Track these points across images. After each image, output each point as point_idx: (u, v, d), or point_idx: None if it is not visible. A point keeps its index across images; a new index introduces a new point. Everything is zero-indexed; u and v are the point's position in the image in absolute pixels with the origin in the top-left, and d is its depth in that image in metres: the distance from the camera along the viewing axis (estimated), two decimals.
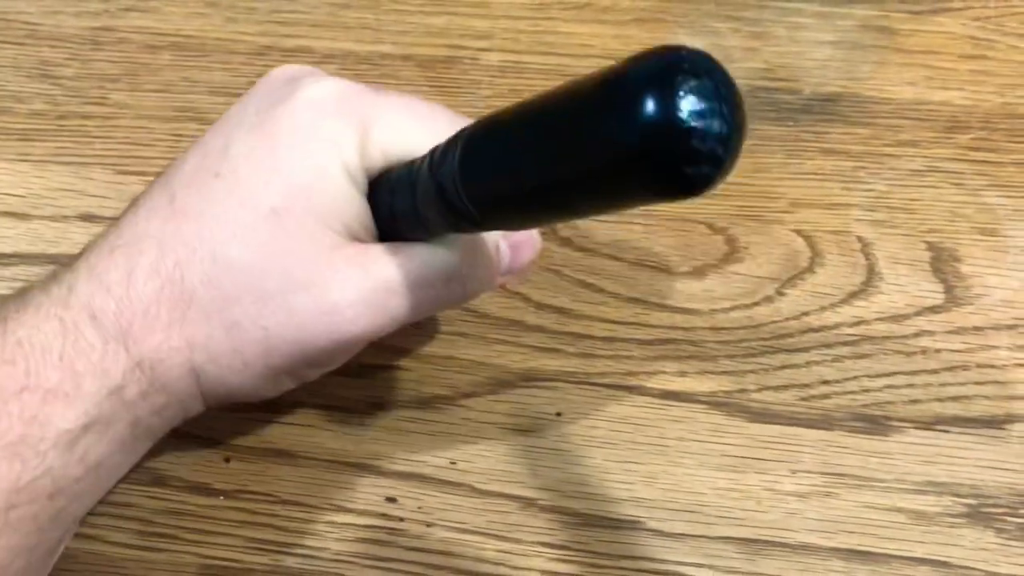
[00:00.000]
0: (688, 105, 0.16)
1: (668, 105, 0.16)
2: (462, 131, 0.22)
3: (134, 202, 0.28)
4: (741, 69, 0.40)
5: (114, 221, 0.28)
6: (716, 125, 0.16)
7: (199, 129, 0.40)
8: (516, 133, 0.20)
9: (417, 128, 0.26)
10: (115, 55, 0.42)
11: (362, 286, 0.25)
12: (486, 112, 0.22)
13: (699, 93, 0.16)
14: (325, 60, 0.42)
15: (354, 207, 0.26)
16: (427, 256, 0.26)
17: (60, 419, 0.24)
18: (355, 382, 0.34)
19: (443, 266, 0.26)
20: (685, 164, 0.17)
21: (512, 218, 0.23)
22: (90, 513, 0.28)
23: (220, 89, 0.41)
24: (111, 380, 0.25)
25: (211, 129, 0.28)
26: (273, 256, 0.24)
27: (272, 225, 0.24)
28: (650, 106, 0.16)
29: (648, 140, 0.16)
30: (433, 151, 0.24)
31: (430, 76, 0.42)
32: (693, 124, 0.16)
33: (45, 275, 0.27)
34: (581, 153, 0.18)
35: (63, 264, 0.27)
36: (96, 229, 0.37)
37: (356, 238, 0.26)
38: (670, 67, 0.17)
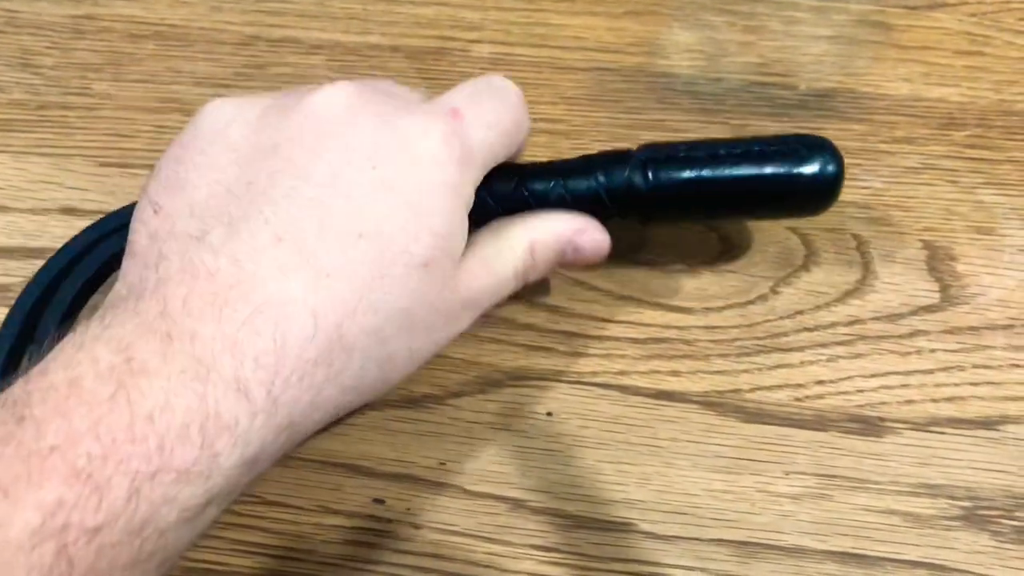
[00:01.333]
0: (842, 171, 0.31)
1: (839, 172, 0.30)
2: (635, 163, 0.30)
3: (237, 253, 0.25)
4: (735, 64, 0.40)
5: (214, 277, 0.24)
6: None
7: (183, 120, 0.39)
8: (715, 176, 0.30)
9: (506, 153, 0.30)
10: (97, 44, 0.42)
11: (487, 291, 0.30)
12: None
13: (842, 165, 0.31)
14: (312, 51, 0.41)
15: (467, 231, 0.29)
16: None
17: (189, 497, 0.23)
18: None
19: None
20: (832, 197, 0.31)
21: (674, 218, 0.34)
22: None
23: (205, 80, 0.40)
24: (251, 451, 0.24)
25: (314, 178, 0.26)
26: (424, 297, 0.27)
27: (423, 273, 0.27)
28: (833, 170, 0.30)
29: (827, 188, 0.31)
30: (572, 171, 0.31)
31: (419, 68, 0.41)
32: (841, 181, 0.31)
33: (142, 331, 0.23)
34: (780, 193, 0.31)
35: (168, 319, 0.23)
36: (77, 222, 0.36)
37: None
38: (835, 153, 0.30)
